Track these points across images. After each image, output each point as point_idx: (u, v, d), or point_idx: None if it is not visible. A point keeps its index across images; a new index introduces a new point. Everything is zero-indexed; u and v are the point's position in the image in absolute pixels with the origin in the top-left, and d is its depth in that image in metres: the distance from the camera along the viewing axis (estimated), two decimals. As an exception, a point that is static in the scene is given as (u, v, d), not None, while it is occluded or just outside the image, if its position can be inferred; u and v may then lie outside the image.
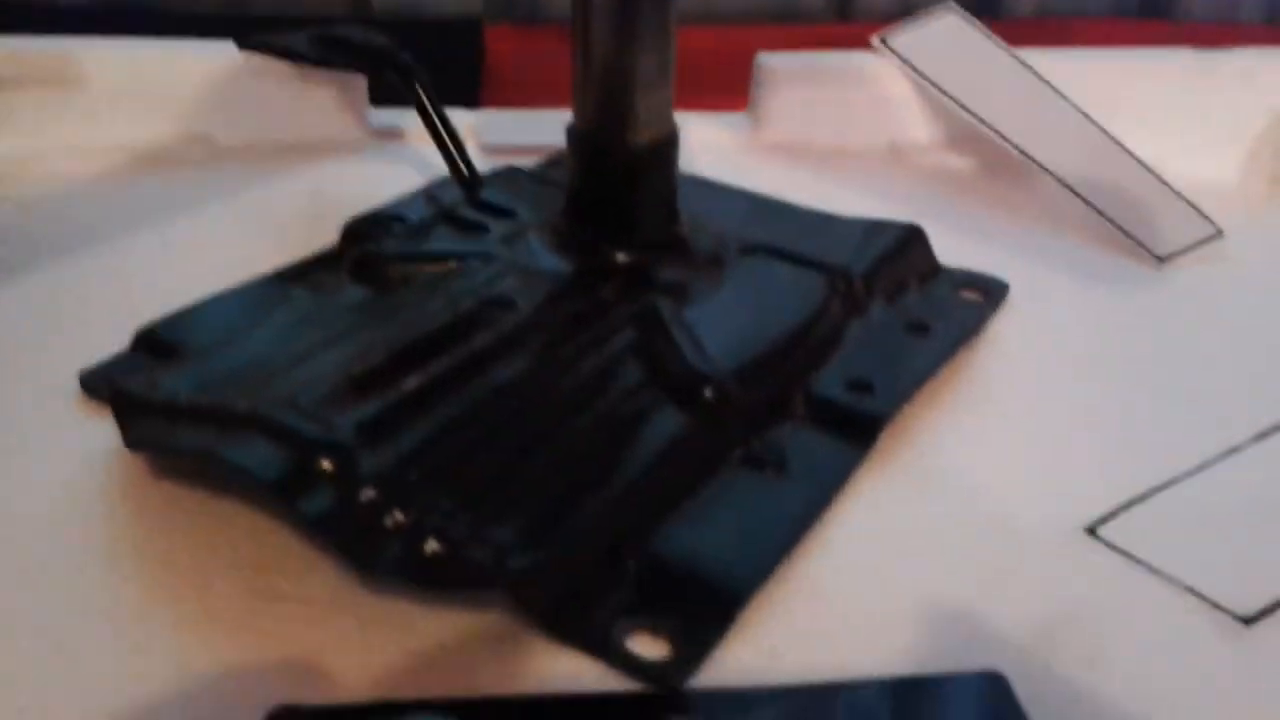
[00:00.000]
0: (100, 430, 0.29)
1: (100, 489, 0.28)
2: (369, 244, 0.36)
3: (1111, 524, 0.29)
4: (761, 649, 0.25)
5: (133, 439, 0.28)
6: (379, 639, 0.24)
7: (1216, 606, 0.27)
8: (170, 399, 0.28)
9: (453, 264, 0.34)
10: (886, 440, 0.31)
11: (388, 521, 0.25)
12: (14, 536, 0.27)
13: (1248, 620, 0.26)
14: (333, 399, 0.27)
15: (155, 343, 0.33)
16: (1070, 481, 0.30)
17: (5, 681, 0.23)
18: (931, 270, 0.39)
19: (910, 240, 0.38)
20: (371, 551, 0.24)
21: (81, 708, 0.23)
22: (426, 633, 0.25)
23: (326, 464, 0.25)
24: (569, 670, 0.24)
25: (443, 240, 0.36)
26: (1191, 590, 0.27)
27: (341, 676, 0.24)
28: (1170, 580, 0.27)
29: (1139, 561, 0.28)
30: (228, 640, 0.24)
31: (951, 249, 0.39)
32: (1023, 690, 0.24)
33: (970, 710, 0.24)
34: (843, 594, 0.26)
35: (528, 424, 0.28)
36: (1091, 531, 0.29)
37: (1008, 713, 0.24)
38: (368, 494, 0.25)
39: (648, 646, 0.25)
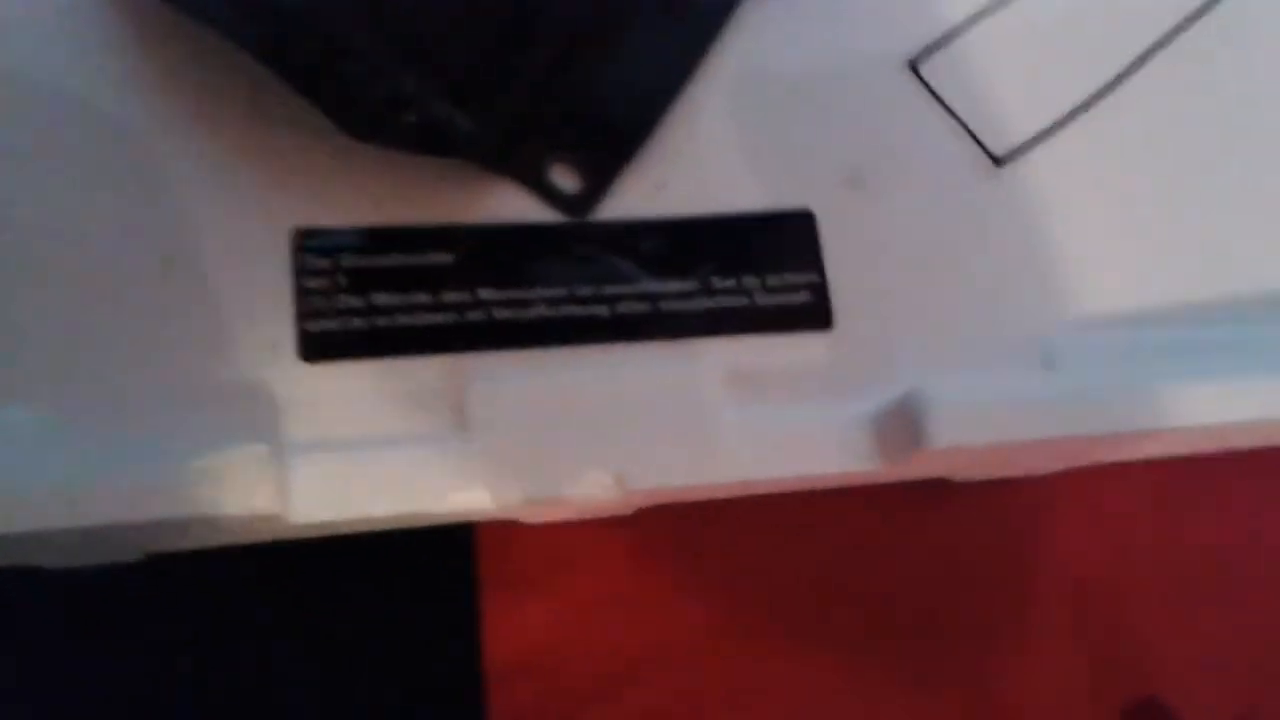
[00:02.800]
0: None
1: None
2: None
3: (931, 59, 0.37)
4: (651, 183, 0.34)
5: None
6: (370, 184, 0.32)
7: (980, 145, 0.36)
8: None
9: None
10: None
11: (367, 91, 0.31)
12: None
13: (999, 160, 0.36)
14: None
15: None
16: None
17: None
18: None
19: None
20: (350, 115, 0.31)
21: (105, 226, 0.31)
22: (402, 175, 0.33)
23: (311, 42, 0.30)
24: (501, 202, 0.33)
25: None
26: (966, 128, 0.36)
27: (344, 209, 0.32)
28: (954, 116, 0.36)
29: (938, 98, 0.36)
30: (244, 165, 0.32)
31: None
32: (826, 219, 0.35)
33: (781, 243, 0.34)
34: (711, 135, 0.35)
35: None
36: (913, 66, 0.37)
37: (808, 244, 0.34)
38: (350, 66, 0.31)
39: (565, 179, 0.34)
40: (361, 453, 0.30)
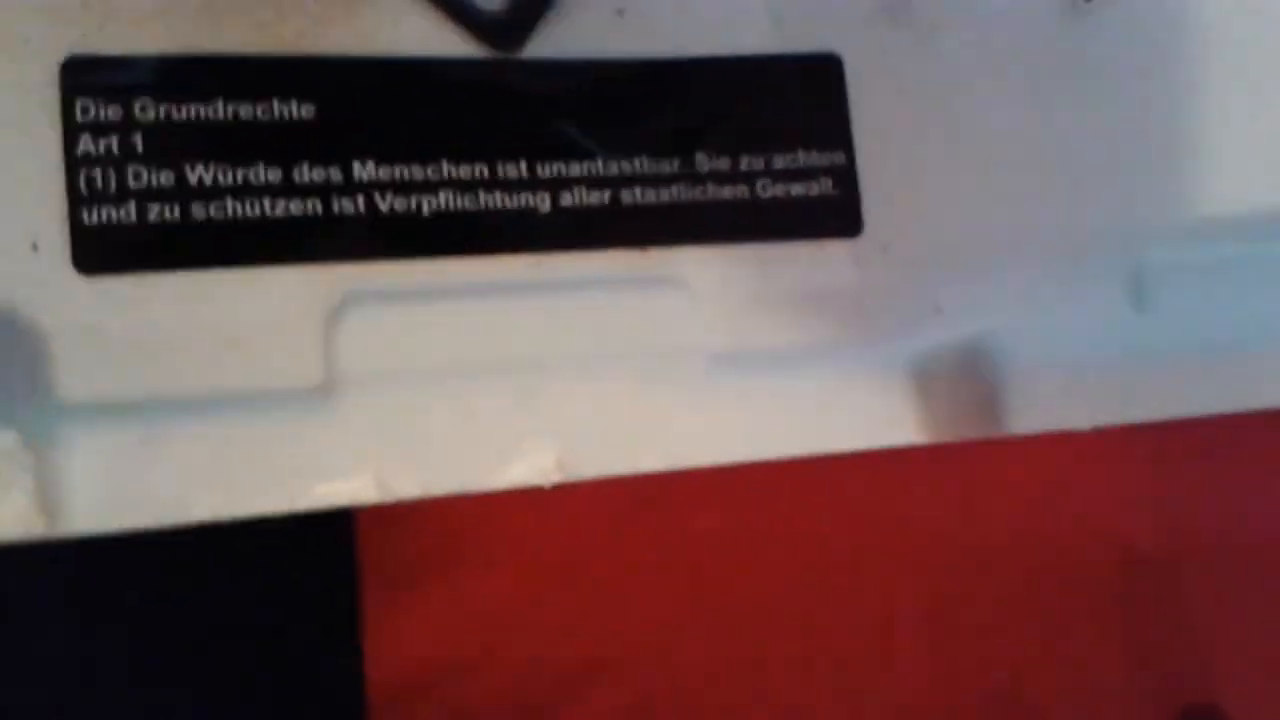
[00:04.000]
0: None
1: None
2: None
3: None
4: (608, 6, 0.23)
5: None
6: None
7: (1067, -30, 0.26)
8: None
9: None
10: None
11: None
12: None
13: (1088, -7, 0.26)
14: None
15: None
16: None
17: None
18: None
19: None
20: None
21: None
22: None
23: None
24: (388, 26, 0.22)
25: None
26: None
27: (138, 30, 0.20)
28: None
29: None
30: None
31: None
32: (856, 69, 0.24)
33: (794, 103, 0.24)
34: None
35: None
36: None
37: (831, 106, 0.24)
38: None
39: (486, -7, 0.22)
40: (168, 424, 0.19)
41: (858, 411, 0.23)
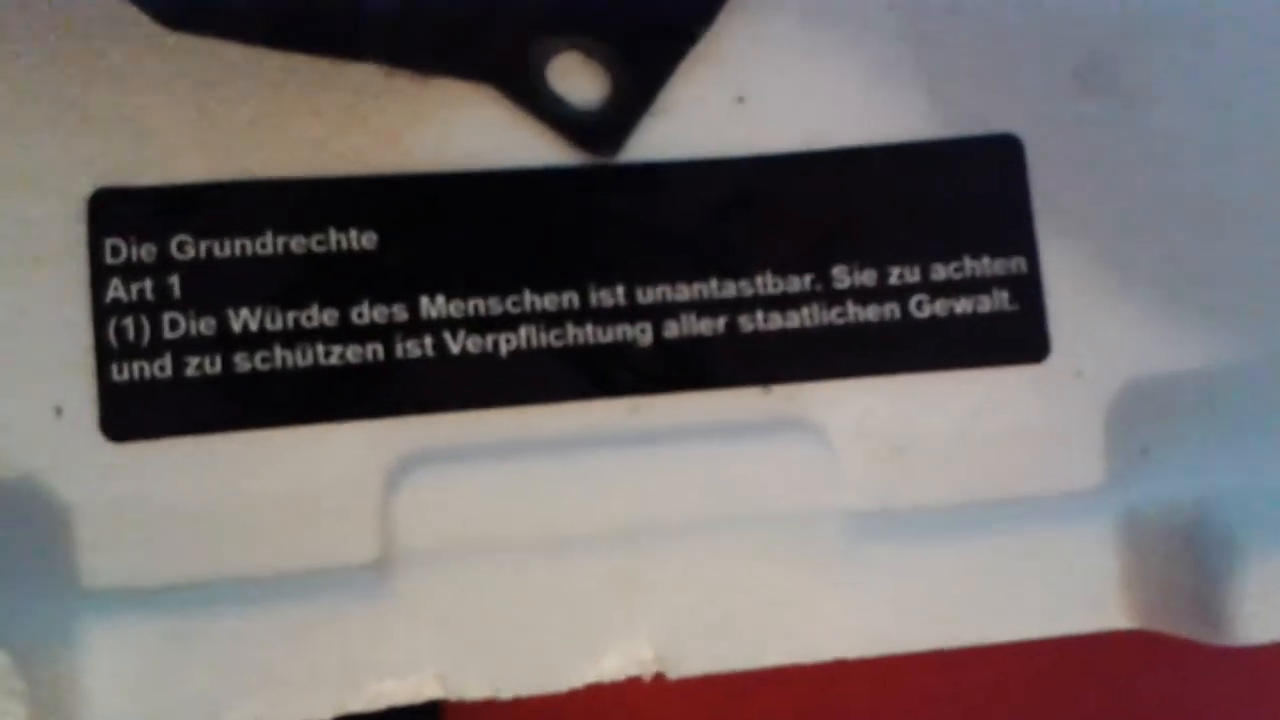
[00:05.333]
0: None
1: None
2: None
3: None
4: (725, 95, 0.19)
5: None
6: (221, 110, 0.18)
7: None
8: None
9: None
10: None
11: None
12: None
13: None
14: None
15: None
16: None
17: None
18: None
19: None
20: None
21: None
22: (276, 94, 0.18)
23: None
24: (459, 134, 0.19)
25: None
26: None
27: (175, 155, 0.18)
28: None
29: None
30: (37, 116, 0.18)
31: None
32: (1041, 153, 0.20)
33: (960, 199, 0.19)
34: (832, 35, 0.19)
35: None
36: None
37: (1009, 201, 0.19)
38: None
39: (579, 83, 0.19)
40: (200, 613, 0.17)
41: (1043, 587, 0.18)
